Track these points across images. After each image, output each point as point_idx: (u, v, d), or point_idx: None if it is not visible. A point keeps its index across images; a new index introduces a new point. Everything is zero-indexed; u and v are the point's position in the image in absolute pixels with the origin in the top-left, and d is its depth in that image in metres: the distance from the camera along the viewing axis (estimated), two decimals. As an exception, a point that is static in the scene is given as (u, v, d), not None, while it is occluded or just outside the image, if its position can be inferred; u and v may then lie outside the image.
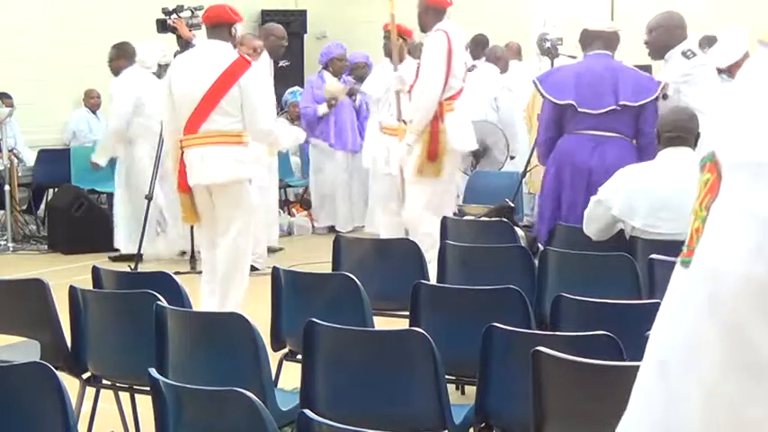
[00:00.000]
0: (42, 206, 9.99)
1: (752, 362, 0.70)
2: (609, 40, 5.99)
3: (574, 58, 8.34)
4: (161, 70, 9.71)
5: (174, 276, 4.29)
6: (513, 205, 7.17)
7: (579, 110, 5.81)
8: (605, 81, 5.81)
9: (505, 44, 10.17)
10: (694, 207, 0.78)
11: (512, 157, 8.99)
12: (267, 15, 13.04)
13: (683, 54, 6.04)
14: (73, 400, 3.00)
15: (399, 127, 7.08)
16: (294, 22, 12.89)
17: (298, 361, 3.83)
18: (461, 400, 4.39)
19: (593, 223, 4.89)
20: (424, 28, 6.73)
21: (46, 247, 9.16)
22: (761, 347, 0.70)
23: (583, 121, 5.83)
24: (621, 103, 5.75)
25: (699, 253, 0.75)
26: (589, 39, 6.05)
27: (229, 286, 5.87)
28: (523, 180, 8.11)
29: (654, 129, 5.71)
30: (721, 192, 0.74)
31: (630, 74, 5.94)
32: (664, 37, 6.06)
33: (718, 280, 0.72)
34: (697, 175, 0.79)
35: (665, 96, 5.91)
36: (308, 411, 2.53)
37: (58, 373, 2.87)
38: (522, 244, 5.47)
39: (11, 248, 9.10)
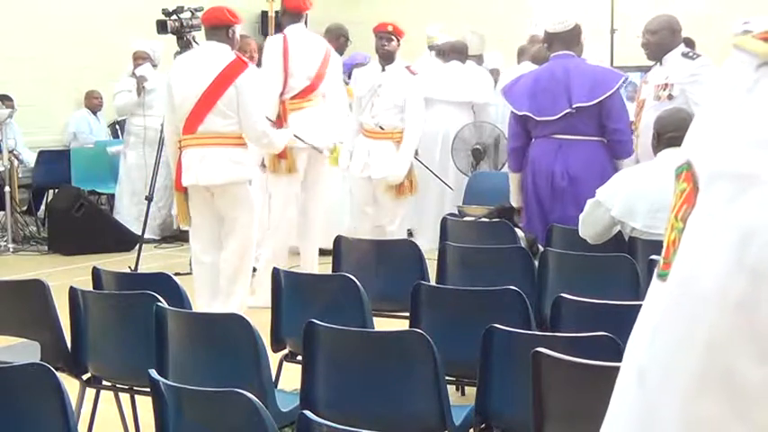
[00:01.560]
0: (42, 207, 9.98)
1: (730, 381, 0.69)
2: (567, 39, 5.99)
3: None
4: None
5: (174, 277, 4.30)
6: (513, 206, 7.17)
7: (537, 119, 5.88)
8: (560, 85, 5.84)
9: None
10: (670, 218, 0.76)
11: None
12: (267, 17, 13.03)
13: (685, 56, 6.06)
14: (73, 402, 3.00)
15: (381, 131, 7.15)
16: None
17: (298, 362, 3.83)
18: (461, 400, 4.39)
19: (591, 226, 4.87)
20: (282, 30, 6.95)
21: (46, 248, 9.15)
22: (740, 367, 0.69)
23: (545, 128, 5.91)
24: (575, 105, 5.78)
25: (676, 267, 0.74)
26: (548, 40, 6.11)
27: (233, 287, 5.88)
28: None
29: (622, 124, 5.79)
30: (698, 203, 0.73)
31: (587, 72, 5.93)
32: (668, 39, 6.10)
33: (697, 296, 0.71)
34: (672, 184, 0.79)
35: (670, 97, 5.93)
36: (308, 412, 2.53)
37: (58, 374, 2.87)
38: (522, 245, 5.47)
39: (11, 249, 9.09)
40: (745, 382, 0.69)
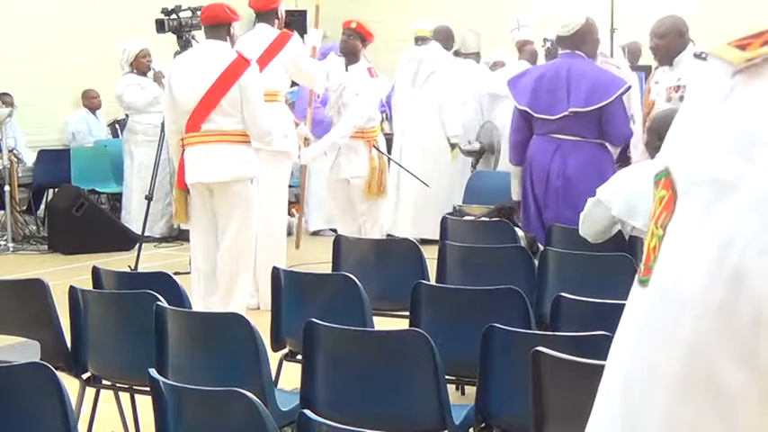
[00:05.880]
0: (42, 206, 9.99)
1: (713, 385, 0.70)
2: (572, 41, 5.98)
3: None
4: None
5: (174, 276, 4.30)
6: (513, 206, 7.17)
7: (535, 116, 5.91)
8: (561, 85, 5.85)
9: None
10: (650, 225, 0.77)
11: None
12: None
13: (698, 56, 6.01)
14: (73, 401, 3.00)
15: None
16: (294, 23, 12.87)
17: (298, 361, 3.83)
18: (461, 400, 4.39)
19: (591, 225, 4.87)
20: None
21: (46, 247, 9.16)
22: (720, 372, 0.70)
23: (544, 126, 5.94)
24: (571, 110, 5.79)
25: (657, 274, 0.74)
26: (557, 41, 6.17)
27: (233, 288, 5.86)
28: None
29: (622, 130, 5.80)
30: (677, 210, 0.74)
31: (589, 76, 5.89)
32: (677, 42, 6.07)
33: (678, 302, 0.72)
34: (651, 190, 0.79)
35: (681, 99, 5.88)
36: (307, 411, 2.54)
37: (58, 373, 2.87)
38: (522, 244, 5.47)
39: (11, 249, 9.10)
40: (727, 386, 0.70)
